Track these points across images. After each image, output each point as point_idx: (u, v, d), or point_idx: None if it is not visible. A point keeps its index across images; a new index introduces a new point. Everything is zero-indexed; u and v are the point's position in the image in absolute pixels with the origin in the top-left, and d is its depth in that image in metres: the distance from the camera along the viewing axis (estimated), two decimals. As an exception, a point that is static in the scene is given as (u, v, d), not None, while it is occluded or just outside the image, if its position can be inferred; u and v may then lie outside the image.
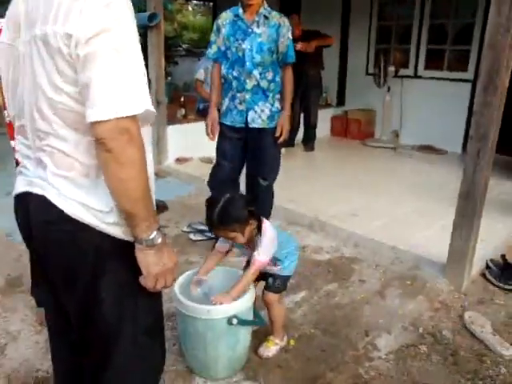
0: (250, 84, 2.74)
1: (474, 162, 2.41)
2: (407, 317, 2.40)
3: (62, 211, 1.09)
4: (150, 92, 1.10)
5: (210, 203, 1.84)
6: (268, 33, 2.70)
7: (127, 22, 1.02)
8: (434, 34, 5.88)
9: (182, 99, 5.32)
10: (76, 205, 1.09)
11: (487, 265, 2.81)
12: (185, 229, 3.41)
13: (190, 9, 17.43)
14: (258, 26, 2.69)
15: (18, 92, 1.16)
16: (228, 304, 1.82)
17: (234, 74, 2.75)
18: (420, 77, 6.04)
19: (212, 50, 2.87)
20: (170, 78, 7.41)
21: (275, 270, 2.02)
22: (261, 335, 2.15)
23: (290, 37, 2.77)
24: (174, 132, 4.97)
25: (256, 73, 2.72)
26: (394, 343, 2.21)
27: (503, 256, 2.83)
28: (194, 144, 4.72)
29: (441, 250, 2.72)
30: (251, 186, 2.98)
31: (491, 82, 2.25)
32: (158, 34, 4.54)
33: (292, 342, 2.18)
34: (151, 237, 1.08)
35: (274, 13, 2.74)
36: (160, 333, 1.37)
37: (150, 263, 1.11)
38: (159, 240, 1.10)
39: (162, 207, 3.67)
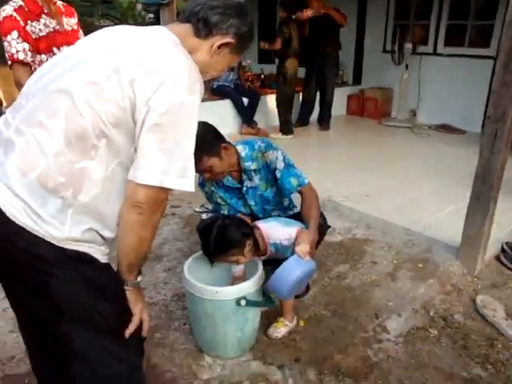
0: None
1: (490, 144, 2.34)
2: (418, 300, 2.38)
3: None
4: None
5: (204, 234, 1.86)
6: (264, 178, 2.16)
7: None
8: (456, 8, 5.69)
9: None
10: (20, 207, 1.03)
11: (502, 248, 2.76)
12: (197, 209, 3.42)
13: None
14: (251, 179, 2.17)
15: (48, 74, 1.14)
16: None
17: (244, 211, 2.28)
18: (440, 54, 5.90)
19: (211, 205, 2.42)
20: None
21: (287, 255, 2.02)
22: (271, 316, 2.16)
23: (281, 166, 2.11)
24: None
25: (275, 214, 2.32)
26: (404, 326, 2.20)
27: (519, 239, 2.78)
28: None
29: (454, 232, 2.68)
30: None
31: (511, 61, 2.17)
32: (170, 12, 4.47)
33: (301, 323, 2.19)
34: (139, 279, 1.23)
35: (254, 155, 2.10)
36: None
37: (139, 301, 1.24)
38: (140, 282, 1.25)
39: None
